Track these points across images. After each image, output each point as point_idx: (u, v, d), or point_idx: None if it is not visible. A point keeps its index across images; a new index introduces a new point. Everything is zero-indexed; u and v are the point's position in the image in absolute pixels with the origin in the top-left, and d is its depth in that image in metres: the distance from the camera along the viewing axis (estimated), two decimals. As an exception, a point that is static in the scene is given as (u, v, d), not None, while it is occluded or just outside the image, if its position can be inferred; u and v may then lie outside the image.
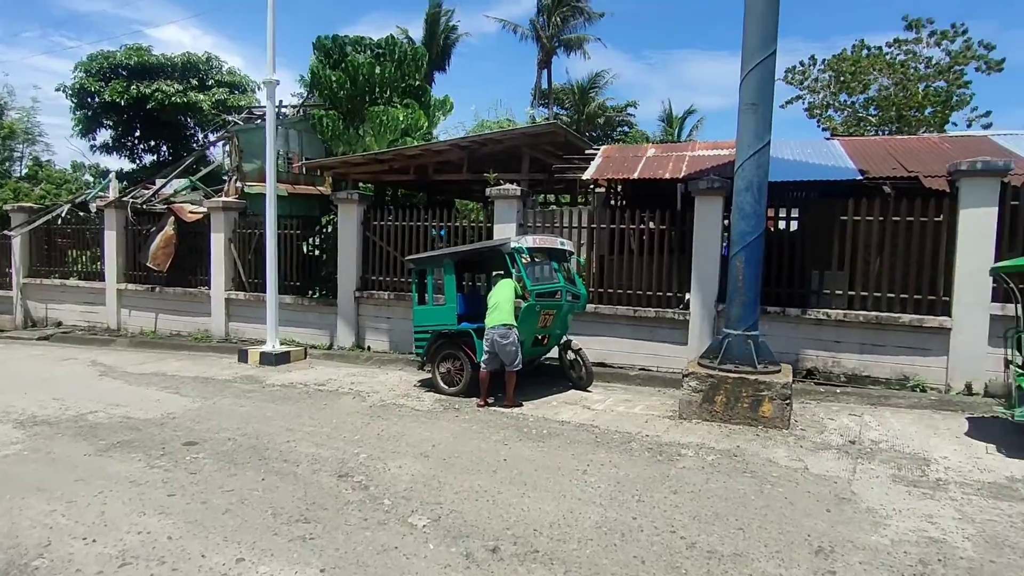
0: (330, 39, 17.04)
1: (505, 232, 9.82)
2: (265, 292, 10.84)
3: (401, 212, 11.21)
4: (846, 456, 5.71)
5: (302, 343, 11.54)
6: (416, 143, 14.66)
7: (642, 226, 9.40)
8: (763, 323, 8.41)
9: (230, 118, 19.18)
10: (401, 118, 15.43)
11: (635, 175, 9.95)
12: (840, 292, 8.44)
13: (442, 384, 8.15)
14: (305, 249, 12.50)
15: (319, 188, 16.15)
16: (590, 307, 9.46)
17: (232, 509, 4.60)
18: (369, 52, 16.60)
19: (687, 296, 9.10)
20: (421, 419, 7.05)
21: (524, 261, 7.66)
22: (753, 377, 6.57)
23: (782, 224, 9.21)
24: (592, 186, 11.38)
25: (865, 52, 26.10)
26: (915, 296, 8.10)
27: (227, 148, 15.80)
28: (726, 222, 8.66)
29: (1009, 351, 6.19)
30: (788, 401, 6.46)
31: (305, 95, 18.79)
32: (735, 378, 6.62)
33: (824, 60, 26.80)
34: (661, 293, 9.37)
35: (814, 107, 27.45)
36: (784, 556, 3.89)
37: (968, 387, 7.68)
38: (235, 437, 6.35)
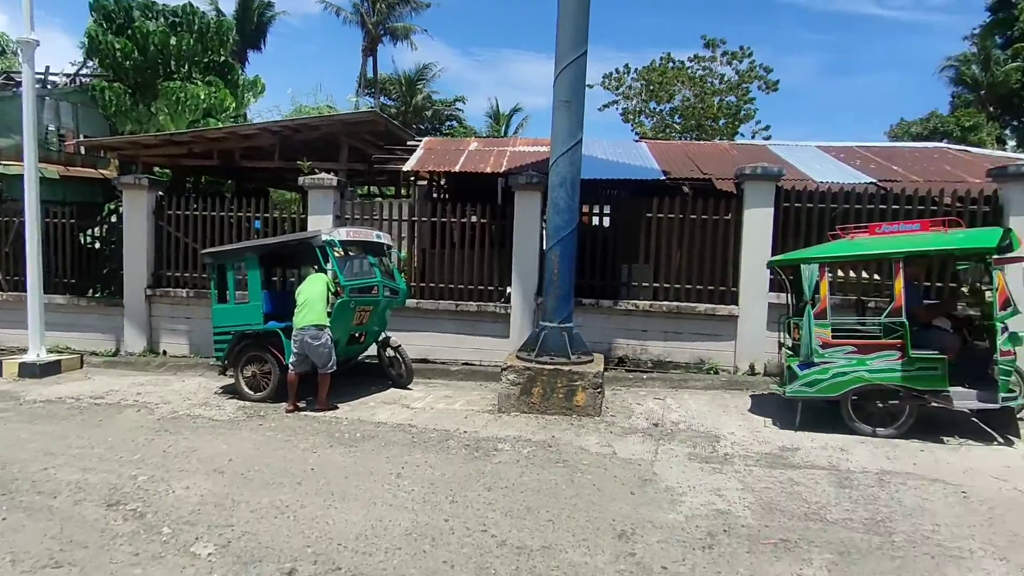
0: (112, 0, 14.91)
1: (321, 224, 9.26)
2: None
3: (205, 201, 10.12)
4: (650, 439, 6.09)
5: (79, 350, 10.00)
6: (221, 125, 13.35)
7: (464, 220, 9.37)
8: (578, 314, 8.78)
9: (-19, 84, 16.11)
10: (203, 96, 13.95)
11: (457, 168, 9.89)
12: (646, 284, 9.07)
13: (247, 390, 7.45)
14: (83, 241, 10.84)
15: (102, 171, 14.12)
16: (411, 302, 9.25)
17: (-46, 561, 3.73)
18: (163, 20, 14.80)
19: (508, 290, 9.24)
20: (219, 430, 6.36)
21: (337, 255, 7.24)
22: (568, 368, 6.79)
23: (596, 219, 9.69)
24: (414, 178, 11.16)
25: (671, 65, 28.60)
26: (709, 287, 8.93)
27: (-25, 119, 13.20)
28: (544, 216, 8.90)
29: (782, 335, 7.01)
30: (600, 390, 6.76)
31: (82, 63, 16.30)
32: (551, 370, 6.79)
33: (636, 69, 28.96)
34: (483, 287, 9.42)
35: (628, 112, 29.55)
36: (590, 543, 3.99)
37: (752, 368, 8.64)
38: (-29, 468, 5.24)
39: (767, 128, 27.78)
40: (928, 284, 8.15)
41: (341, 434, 6.22)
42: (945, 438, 6.05)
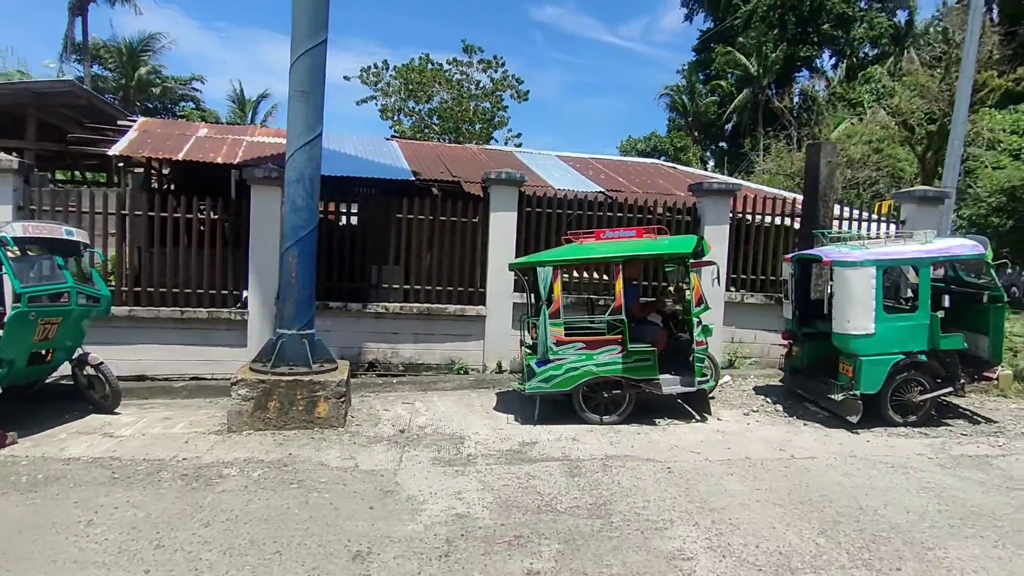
0: None
1: (-6, 215, 7.50)
2: None
3: None
4: (395, 446, 5.97)
5: None
6: None
7: (190, 215, 8.32)
8: (326, 319, 8.38)
9: None
10: None
11: (180, 156, 8.76)
12: (397, 286, 8.96)
13: None
14: None
15: None
16: (123, 310, 7.98)
17: None
18: None
19: (245, 293, 8.43)
20: None
21: (11, 255, 5.89)
22: (308, 378, 6.37)
23: (344, 219, 9.32)
24: (121, 165, 9.65)
25: (430, 66, 29.07)
26: (459, 288, 9.12)
27: None
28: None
29: (523, 334, 7.41)
30: (344, 399, 6.46)
31: None
32: (289, 380, 6.31)
33: (395, 67, 28.87)
34: (215, 291, 8.46)
35: (387, 110, 29.34)
36: (320, 571, 3.72)
37: (499, 366, 9.03)
38: None
39: (519, 135, 29.69)
40: (644, 284, 9.31)
41: (17, 478, 5.05)
42: (657, 420, 6.90)
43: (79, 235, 6.69)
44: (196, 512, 4.48)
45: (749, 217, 9.76)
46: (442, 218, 9.04)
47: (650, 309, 7.56)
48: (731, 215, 9.57)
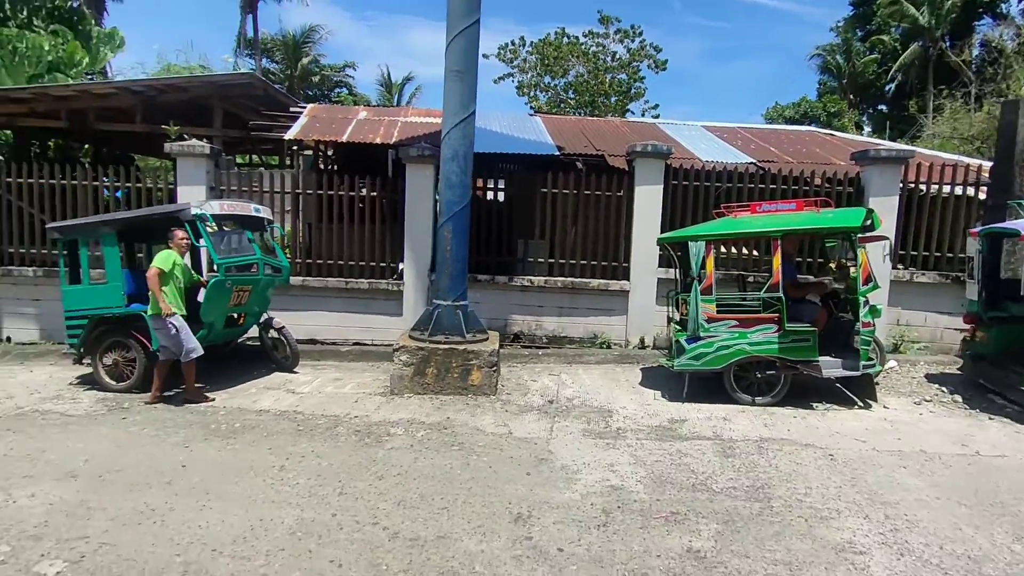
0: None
1: (192, 195, 8.48)
2: None
3: (54, 167, 8.98)
4: (545, 416, 6.10)
5: (-102, 339, 8.67)
6: (72, 82, 11.88)
7: (352, 192, 8.91)
8: (474, 291, 8.67)
9: None
10: (47, 48, 12.30)
11: (344, 138, 9.37)
12: (542, 260, 9.07)
13: (108, 379, 6.73)
14: None
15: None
16: (297, 280, 8.74)
17: None
18: (-4, -44, 12.82)
19: (401, 266, 8.93)
20: (73, 427, 5.69)
21: (210, 230, 6.63)
22: (462, 347, 6.65)
23: (491, 194, 9.55)
24: (296, 148, 10.48)
25: (566, 40, 28.77)
26: (603, 263, 9.07)
27: None
28: (438, 190, 8.64)
29: (670, 310, 7.23)
30: (495, 368, 6.68)
31: None
32: (445, 349, 6.62)
33: (531, 43, 28.88)
34: (374, 263, 9.05)
35: (523, 86, 29.49)
36: (486, 529, 3.90)
37: (642, 341, 8.91)
38: None
39: (656, 107, 28.68)
40: (800, 260, 8.72)
41: (218, 425, 5.75)
42: (814, 404, 6.50)
43: (264, 212, 7.39)
44: (370, 465, 4.86)
45: (922, 187, 8.79)
46: (586, 192, 8.99)
47: (806, 291, 7.05)
48: (901, 185, 8.68)
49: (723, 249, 8.74)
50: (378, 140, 9.30)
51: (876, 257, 7.07)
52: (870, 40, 35.96)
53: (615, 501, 4.33)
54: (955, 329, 8.66)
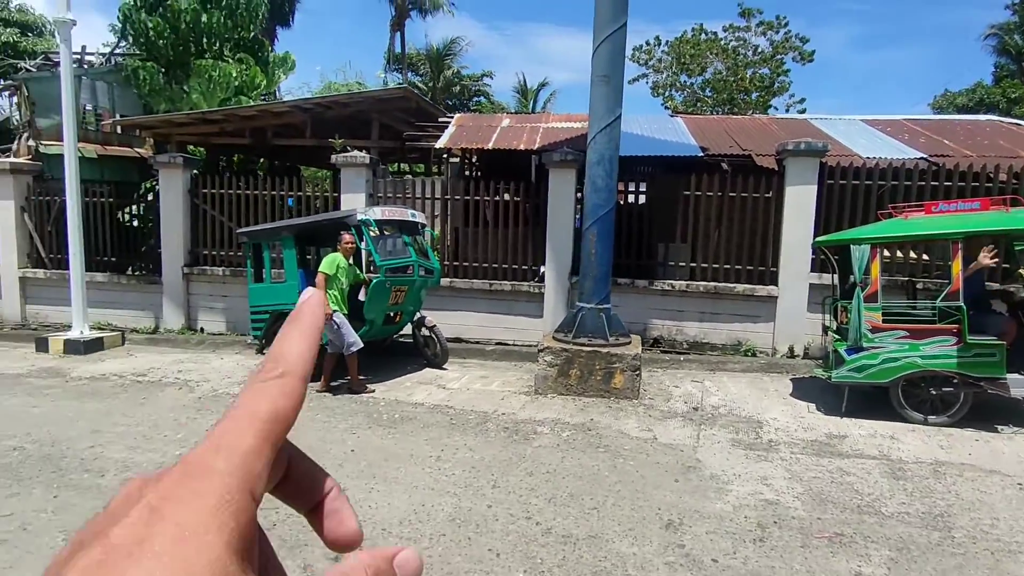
0: (146, -22, 14.79)
1: (354, 202, 9.18)
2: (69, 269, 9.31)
3: (238, 179, 10.12)
4: (690, 423, 5.94)
5: (120, 327, 10.13)
6: (253, 103, 13.28)
7: (497, 198, 9.19)
8: (614, 294, 8.62)
9: (21, 64, 16.23)
10: (234, 74, 13.85)
11: (490, 145, 9.68)
12: (683, 264, 8.83)
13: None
14: (122, 220, 10.94)
15: (137, 150, 14.21)
16: (445, 281, 9.15)
17: (10, 539, 3.76)
18: (195, -3, 14.67)
19: (542, 269, 9.08)
20: (258, 410, 6.37)
21: (372, 234, 7.14)
22: (605, 350, 6.64)
23: (631, 197, 9.45)
24: (446, 156, 10.99)
25: (703, 36, 27.77)
26: (748, 267, 8.66)
27: (15, 100, 13.30)
28: (579, 194, 8.69)
29: (826, 317, 6.75)
30: (638, 372, 6.61)
31: (116, 42, 16.30)
32: (588, 351, 6.65)
33: (667, 42, 28.18)
34: (517, 266, 9.27)
35: (658, 86, 28.86)
36: (637, 533, 3.88)
37: (791, 350, 8.39)
38: (23, 445, 5.30)
39: (802, 101, 26.86)
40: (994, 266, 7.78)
41: (379, 415, 6.18)
42: (999, 426, 5.79)
43: (419, 217, 7.84)
44: (520, 461, 4.99)
45: None
46: (731, 194, 8.63)
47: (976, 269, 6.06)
48: (1113, 180, 7.50)
49: (887, 253, 8.04)
50: (522, 146, 9.52)
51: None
52: (1061, 15, 31.29)
53: (771, 516, 4.13)
54: None
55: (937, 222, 5.90)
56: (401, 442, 5.45)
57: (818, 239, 6.72)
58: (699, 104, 27.26)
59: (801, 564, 3.56)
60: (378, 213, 7.30)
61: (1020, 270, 6.74)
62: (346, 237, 6.92)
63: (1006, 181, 7.87)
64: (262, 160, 15.22)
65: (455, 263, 9.44)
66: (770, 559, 3.61)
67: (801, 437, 5.60)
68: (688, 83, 28.37)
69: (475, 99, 32.07)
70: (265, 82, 14.61)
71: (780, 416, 6.16)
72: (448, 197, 9.48)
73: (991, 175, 7.92)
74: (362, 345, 6.79)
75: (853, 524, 4.03)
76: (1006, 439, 5.55)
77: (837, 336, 6.31)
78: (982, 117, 11.58)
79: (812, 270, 8.27)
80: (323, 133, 11.63)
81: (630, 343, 6.91)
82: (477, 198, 9.29)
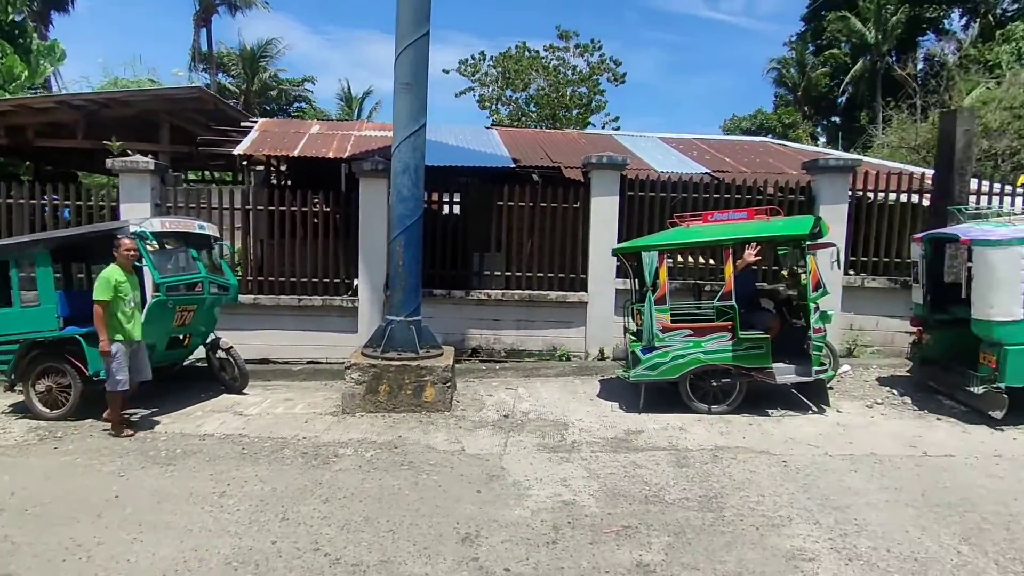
0: None
1: (137, 212, 8.21)
2: None
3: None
4: (500, 431, 6.01)
5: None
6: (10, 96, 11.46)
7: (305, 208, 8.74)
8: (429, 305, 8.61)
9: None
10: (-16, 63, 11.90)
11: (295, 152, 9.22)
12: (499, 273, 9.01)
13: (41, 407, 6.40)
14: None
15: None
16: (248, 298, 8.53)
17: None
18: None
19: (355, 282, 8.78)
20: (1, 459, 5.39)
21: (151, 249, 6.40)
22: (416, 363, 6.53)
23: (447, 208, 9.48)
24: (246, 163, 10.28)
25: (527, 53, 29.02)
26: (560, 275, 9.05)
27: None
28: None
29: (627, 320, 7.23)
30: (449, 384, 6.57)
31: None
32: (398, 366, 6.50)
33: (492, 57, 29.06)
34: (328, 280, 8.88)
35: (484, 99, 29.61)
36: (432, 551, 3.78)
37: (601, 353, 8.89)
38: None
39: (616, 119, 29.06)
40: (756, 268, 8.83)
41: (157, 452, 5.51)
42: (770, 411, 6.54)
43: (210, 229, 7.18)
44: (316, 488, 4.70)
45: (870, 195, 9.02)
46: (542, 204, 8.99)
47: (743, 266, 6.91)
48: (850, 193, 8.88)
49: (680, 259, 8.83)
50: (331, 154, 9.17)
51: (826, 264, 7.18)
52: (822, 55, 37.10)
53: (566, 516, 4.25)
54: (905, 332, 8.85)
55: (711, 230, 6.58)
56: (180, 481, 4.89)
57: (615, 247, 7.20)
58: (524, 119, 28.39)
59: (588, 561, 3.69)
60: (156, 225, 6.57)
61: (784, 272, 7.75)
62: (125, 243, 5.95)
63: (773, 193, 9.01)
64: (27, 164, 13.20)
65: (260, 278, 8.82)
66: (560, 560, 3.70)
67: (603, 436, 5.90)
68: (513, 98, 29.43)
69: (296, 105, 30.68)
70: (27, 73, 12.69)
71: (585, 417, 6.45)
72: (251, 207, 8.84)
73: (761, 188, 9.04)
74: (127, 388, 5.91)
75: (639, 515, 4.28)
76: (774, 421, 6.28)
77: (634, 338, 6.77)
78: (757, 139, 13.26)
79: (618, 276, 8.84)
80: (103, 134, 10.34)
81: (442, 355, 6.86)
82: (284, 209, 8.76)
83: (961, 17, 35.12)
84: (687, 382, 6.44)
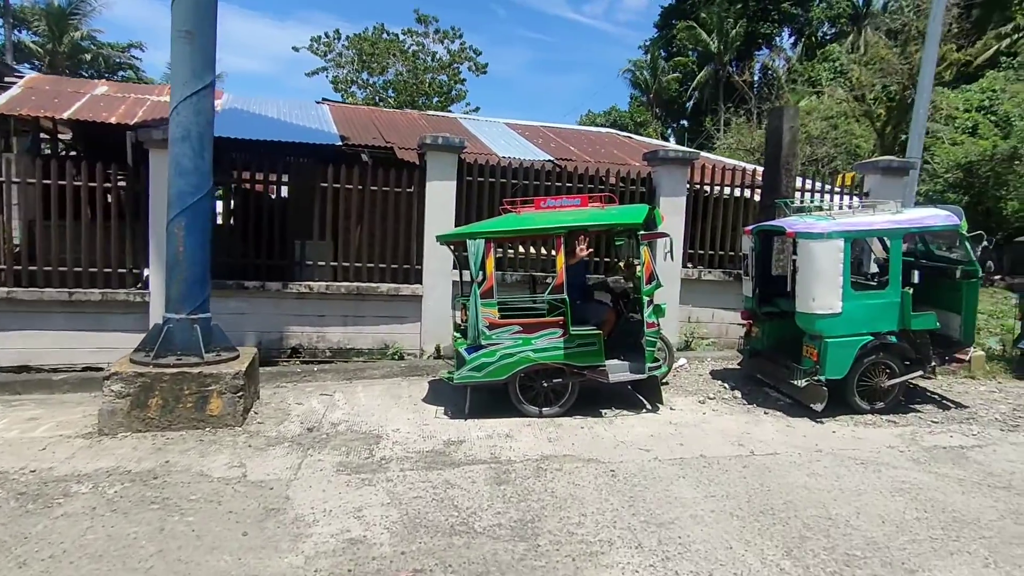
0: None
1: None
2: None
3: None
4: (298, 449, 5.03)
5: None
6: None
7: (81, 183, 7.13)
8: (241, 300, 7.46)
9: None
10: None
11: (67, 114, 7.53)
12: (324, 263, 7.94)
13: None
14: None
15: None
16: (1, 291, 6.83)
17: None
18: None
19: (146, 272, 7.34)
20: None
21: None
22: (198, 370, 5.36)
23: (271, 192, 8.24)
24: (27, 129, 8.38)
25: (385, 35, 27.60)
26: (392, 265, 8.16)
27: None
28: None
29: (454, 316, 6.49)
30: (241, 393, 5.47)
31: None
32: (174, 373, 5.30)
33: (348, 36, 27.36)
34: (111, 270, 7.33)
35: (339, 81, 27.87)
36: (147, 632, 2.79)
37: (437, 350, 8.12)
38: None
39: (477, 109, 28.50)
40: (594, 260, 8.47)
41: None
42: (604, 411, 6.10)
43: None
44: (18, 545, 3.49)
45: (707, 188, 8.98)
46: (372, 188, 8.03)
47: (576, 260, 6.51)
48: (688, 186, 8.78)
49: (520, 249, 8.28)
50: (113, 120, 7.56)
51: (661, 256, 6.89)
52: (673, 60, 38.95)
53: (348, 561, 3.42)
54: (738, 324, 8.89)
55: (543, 217, 6.00)
56: None
57: (439, 235, 6.40)
58: (381, 104, 27.02)
59: (360, 626, 2.88)
60: None
61: (620, 263, 7.39)
62: None
63: (615, 183, 8.70)
64: None
65: (18, 267, 7.10)
66: (323, 628, 2.86)
67: (418, 449, 5.11)
68: (370, 82, 27.95)
69: (120, 74, 26.99)
70: None
71: (404, 426, 5.63)
72: (5, 180, 7.08)
73: (603, 178, 8.69)
74: None
75: (439, 551, 3.54)
76: (607, 423, 5.83)
77: (459, 336, 6.05)
78: (603, 129, 13.11)
79: (455, 268, 8.08)
80: None
81: (236, 358, 5.74)
82: (58, 182, 7.08)
83: (790, 36, 38.35)
84: (517, 383, 5.82)
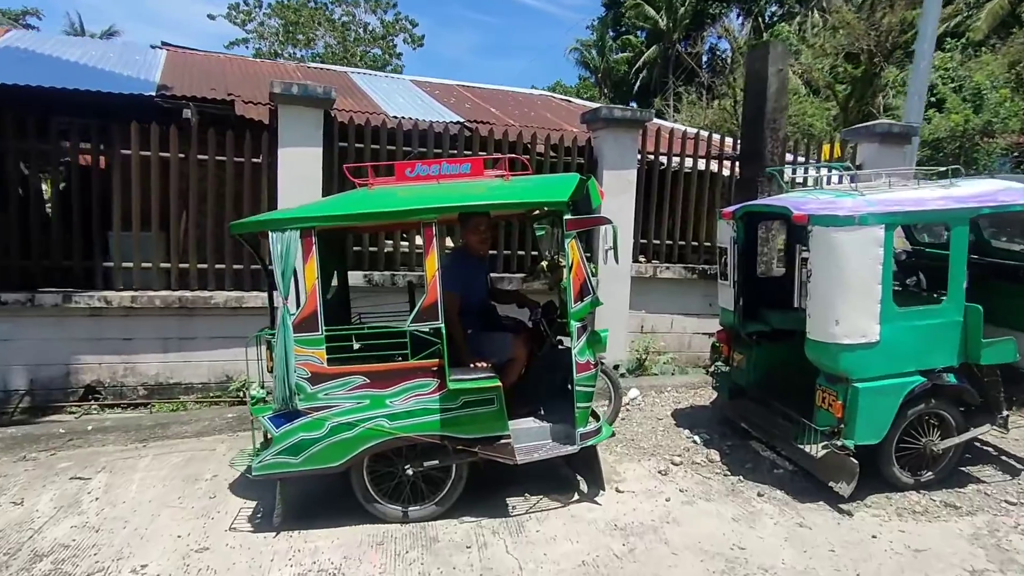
0: None
1: None
2: None
3: None
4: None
5: None
6: None
7: None
8: (2, 321, 4.83)
9: None
10: None
11: None
12: (131, 265, 5.34)
13: None
14: None
15: None
16: None
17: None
18: None
19: None
20: None
21: None
22: None
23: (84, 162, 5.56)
24: None
25: (311, 3, 24.60)
26: (236, 266, 5.62)
27: None
28: None
29: (259, 359, 3.90)
30: None
31: None
32: None
33: (270, 4, 24.24)
34: None
35: (262, 54, 24.69)
36: None
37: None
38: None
39: (414, 87, 25.71)
40: (507, 252, 6.12)
41: None
42: (511, 500, 3.75)
43: None
44: None
45: (664, 160, 6.69)
46: (202, 157, 5.46)
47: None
48: (640, 156, 6.48)
49: (389, 242, 5.83)
50: None
51: (601, 253, 4.57)
52: (621, 39, 36.72)
53: None
54: (704, 334, 6.77)
55: (408, 195, 3.52)
56: None
57: (233, 223, 3.83)
58: (309, 80, 23.94)
59: None
60: None
61: (542, 263, 5.00)
62: None
63: (544, 153, 6.33)
64: None
65: None
66: None
67: None
68: (296, 55, 24.85)
69: (9, 43, 23.25)
70: None
71: (161, 556, 3.15)
72: None
73: (528, 145, 6.28)
74: None
75: None
76: (512, 532, 3.45)
77: (263, 393, 3.56)
78: (535, 91, 10.68)
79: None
80: None
81: None
82: None
83: (738, 16, 36.49)
84: (364, 470, 3.40)
